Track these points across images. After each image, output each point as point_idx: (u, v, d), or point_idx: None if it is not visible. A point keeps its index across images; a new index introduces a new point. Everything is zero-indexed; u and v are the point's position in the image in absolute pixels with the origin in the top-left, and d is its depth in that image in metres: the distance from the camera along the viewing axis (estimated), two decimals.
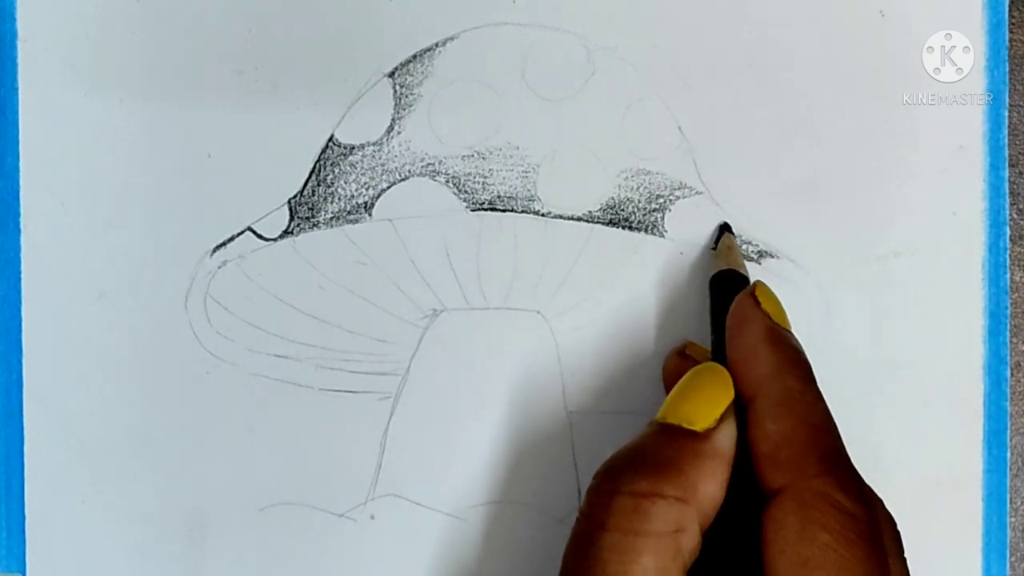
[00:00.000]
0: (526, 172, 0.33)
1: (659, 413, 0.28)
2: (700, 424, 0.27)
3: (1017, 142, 0.34)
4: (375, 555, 0.33)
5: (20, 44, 0.33)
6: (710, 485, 0.27)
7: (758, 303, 0.29)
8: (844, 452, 0.27)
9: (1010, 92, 0.34)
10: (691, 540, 0.26)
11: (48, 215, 0.33)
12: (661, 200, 0.33)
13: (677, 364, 0.32)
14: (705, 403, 0.28)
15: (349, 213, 0.33)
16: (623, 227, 0.33)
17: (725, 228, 0.33)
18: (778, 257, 0.33)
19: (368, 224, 0.33)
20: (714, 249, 0.33)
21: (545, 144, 0.33)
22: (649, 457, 0.27)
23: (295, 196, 0.33)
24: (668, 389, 0.30)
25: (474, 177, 0.33)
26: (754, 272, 0.33)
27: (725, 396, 0.28)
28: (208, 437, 0.33)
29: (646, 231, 0.33)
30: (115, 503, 0.33)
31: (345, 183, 0.33)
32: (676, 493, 0.26)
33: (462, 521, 0.33)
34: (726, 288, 0.31)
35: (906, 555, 0.33)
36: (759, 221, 0.34)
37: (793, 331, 0.29)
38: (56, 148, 0.33)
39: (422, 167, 0.33)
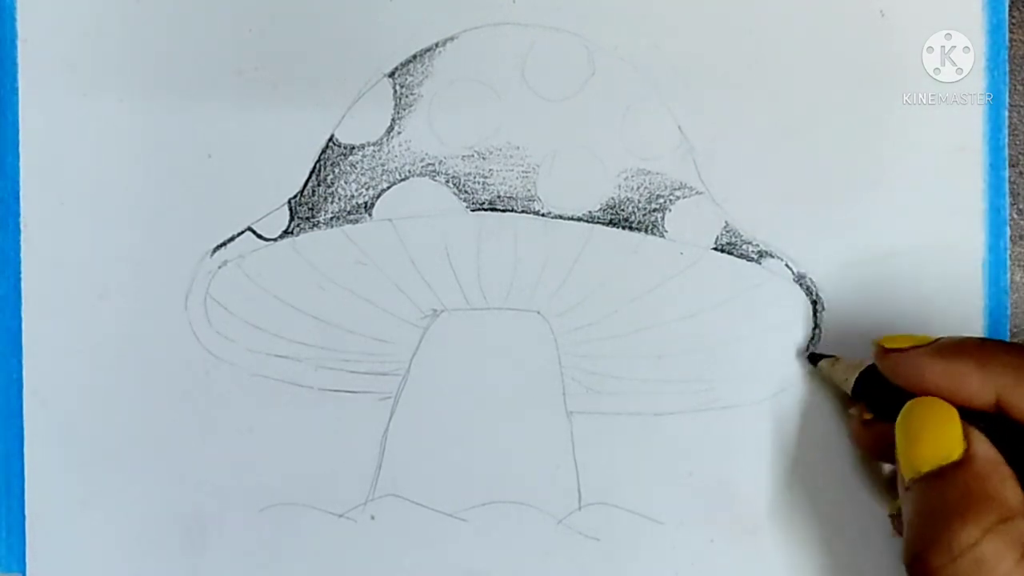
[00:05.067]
0: (526, 172, 0.33)
1: (906, 474, 0.27)
2: (956, 452, 0.27)
3: (1017, 142, 0.34)
4: (375, 555, 0.33)
5: (20, 44, 0.33)
6: (1009, 489, 0.26)
7: (901, 350, 0.29)
8: None
9: (1010, 92, 0.34)
10: None
11: (48, 215, 0.33)
12: (661, 200, 0.33)
13: (867, 431, 0.31)
14: (943, 433, 0.27)
15: (349, 213, 0.33)
16: (623, 227, 0.33)
17: (814, 359, 0.33)
18: (778, 257, 0.33)
19: (368, 224, 0.33)
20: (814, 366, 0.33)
21: (545, 144, 0.33)
22: (945, 511, 0.26)
23: (295, 196, 0.33)
24: (874, 455, 0.31)
25: (474, 177, 0.33)
26: (754, 272, 0.33)
27: (951, 415, 0.27)
28: (208, 437, 0.33)
29: (646, 231, 0.33)
30: (115, 503, 0.33)
31: (345, 183, 0.33)
32: (995, 517, 0.25)
33: (462, 521, 0.33)
34: (868, 376, 0.31)
35: None
36: (759, 221, 0.33)
37: (793, 337, 0.29)
38: (56, 148, 0.33)
39: (422, 167, 0.33)
